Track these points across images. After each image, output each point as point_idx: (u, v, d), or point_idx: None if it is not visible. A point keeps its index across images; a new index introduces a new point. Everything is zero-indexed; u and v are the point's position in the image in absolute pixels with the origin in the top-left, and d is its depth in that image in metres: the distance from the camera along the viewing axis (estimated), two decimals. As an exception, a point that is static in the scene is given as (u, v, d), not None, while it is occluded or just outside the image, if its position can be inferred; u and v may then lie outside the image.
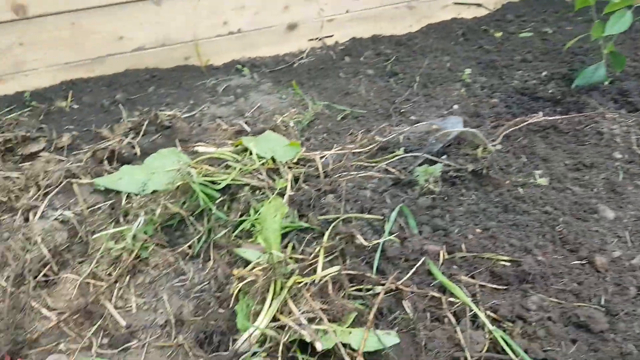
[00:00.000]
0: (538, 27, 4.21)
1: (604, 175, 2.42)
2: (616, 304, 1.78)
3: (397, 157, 2.32)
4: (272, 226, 1.85)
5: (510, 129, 2.55)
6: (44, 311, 1.95)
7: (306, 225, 2.07)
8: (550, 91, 3.19)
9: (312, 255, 1.88)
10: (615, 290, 1.84)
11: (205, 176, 2.24)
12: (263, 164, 2.34)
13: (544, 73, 3.46)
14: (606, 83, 3.14)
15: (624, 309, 1.76)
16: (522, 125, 2.58)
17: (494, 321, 1.72)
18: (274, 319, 1.67)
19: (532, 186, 2.26)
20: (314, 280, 1.75)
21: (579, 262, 1.93)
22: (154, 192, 2.35)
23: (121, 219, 2.26)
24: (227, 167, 2.37)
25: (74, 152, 2.73)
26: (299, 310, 1.64)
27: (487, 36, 4.15)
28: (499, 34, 4.11)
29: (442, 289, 1.81)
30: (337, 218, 2.03)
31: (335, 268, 1.80)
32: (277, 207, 1.92)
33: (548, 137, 2.73)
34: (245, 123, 2.98)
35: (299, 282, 1.74)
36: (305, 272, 1.83)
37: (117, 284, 2.04)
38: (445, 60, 3.76)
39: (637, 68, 3.33)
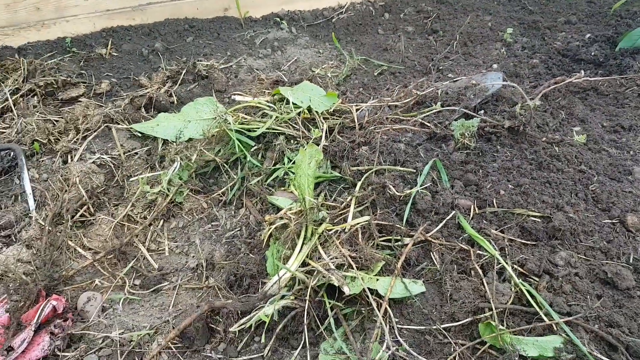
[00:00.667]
0: (585, -13, 4.05)
1: (641, 138, 2.36)
2: (645, 262, 1.76)
3: (433, 111, 2.29)
4: (307, 172, 1.86)
5: (550, 88, 2.49)
6: (80, 250, 2.03)
7: (339, 175, 2.08)
8: (592, 53, 3.08)
9: (344, 205, 1.89)
10: (645, 249, 1.82)
11: (242, 124, 2.26)
12: (299, 113, 2.35)
13: (587, 35, 3.34)
14: (652, 46, 3.03)
15: (653, 268, 1.74)
16: (562, 84, 2.51)
17: (520, 275, 1.72)
18: (304, 263, 1.70)
19: (567, 145, 2.21)
20: (344, 229, 1.77)
21: (610, 220, 1.91)
22: (189, 139, 2.40)
23: (157, 165, 2.32)
24: (264, 116, 2.39)
25: (113, 99, 2.79)
26: (329, 257, 1.66)
27: (532, -5, 4.03)
28: (544, -6, 3.97)
29: (471, 242, 1.82)
30: (370, 169, 2.03)
31: (366, 217, 1.81)
32: (313, 154, 1.92)
33: (588, 98, 2.66)
34: (283, 74, 2.99)
35: (330, 230, 1.77)
36: (335, 221, 1.85)
37: (151, 227, 2.10)
38: (487, 19, 3.66)
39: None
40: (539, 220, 1.88)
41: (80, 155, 2.37)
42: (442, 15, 3.71)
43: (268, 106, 2.40)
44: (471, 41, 3.40)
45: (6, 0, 2.95)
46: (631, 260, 1.76)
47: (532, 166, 2.13)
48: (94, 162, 2.32)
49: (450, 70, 3.05)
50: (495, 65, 3.09)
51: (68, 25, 3.18)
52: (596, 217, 1.92)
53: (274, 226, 1.82)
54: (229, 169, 2.23)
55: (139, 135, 2.48)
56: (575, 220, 1.87)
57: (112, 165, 2.32)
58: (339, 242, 1.71)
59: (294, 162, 2.10)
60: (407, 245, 1.75)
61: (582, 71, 2.72)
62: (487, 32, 3.49)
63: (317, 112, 2.36)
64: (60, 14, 3.14)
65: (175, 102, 2.73)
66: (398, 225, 1.84)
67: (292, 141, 2.24)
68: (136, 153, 2.40)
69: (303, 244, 1.71)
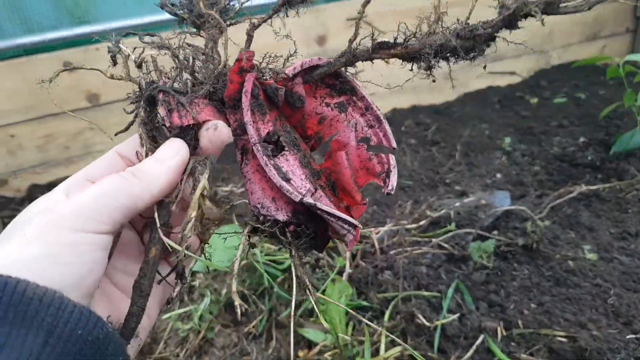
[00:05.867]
0: (571, 92, 4.31)
1: (648, 244, 2.47)
2: (676, 381, 1.81)
3: (449, 233, 2.40)
4: (337, 308, 1.92)
5: (556, 202, 2.62)
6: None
7: (366, 303, 2.15)
8: (589, 158, 3.26)
9: (374, 336, 1.95)
10: (673, 365, 1.87)
11: (267, 255, 2.35)
12: (323, 242, 2.42)
13: (581, 139, 3.53)
14: (642, 148, 3.22)
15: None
16: (565, 198, 2.65)
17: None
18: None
19: (581, 259, 2.31)
20: (378, 361, 1.83)
21: (634, 335, 1.96)
22: (215, 269, 2.48)
23: (186, 297, 2.38)
24: (288, 245, 2.47)
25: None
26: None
27: (523, 102, 4.27)
28: (534, 100, 4.22)
29: (503, 368, 1.86)
30: (396, 296, 2.11)
31: (397, 349, 1.87)
32: (342, 290, 1.99)
33: (591, 205, 2.79)
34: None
35: (364, 364, 1.82)
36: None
37: (185, 366, 2.12)
38: (484, 127, 3.87)
39: (671, 133, 3.39)
40: (565, 340, 1.94)
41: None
42: (441, 126, 3.93)
43: (292, 235, 2.49)
44: (472, 151, 3.58)
45: (37, 142, 3.14)
46: (661, 379, 1.81)
47: (551, 283, 2.21)
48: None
49: (456, 182, 3.19)
50: (499, 175, 3.24)
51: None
52: (619, 333, 1.98)
53: (309, 363, 1.87)
54: (257, 300, 2.29)
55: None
56: (600, 338, 1.93)
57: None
58: (375, 377, 1.76)
59: (321, 292, 2.17)
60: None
61: (582, 180, 2.88)
62: (486, 141, 3.68)
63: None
64: (87, 150, 3.32)
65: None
66: (430, 354, 1.89)
67: (317, 270, 2.32)
68: (165, 287, 2.45)
69: (340, 382, 1.75)
